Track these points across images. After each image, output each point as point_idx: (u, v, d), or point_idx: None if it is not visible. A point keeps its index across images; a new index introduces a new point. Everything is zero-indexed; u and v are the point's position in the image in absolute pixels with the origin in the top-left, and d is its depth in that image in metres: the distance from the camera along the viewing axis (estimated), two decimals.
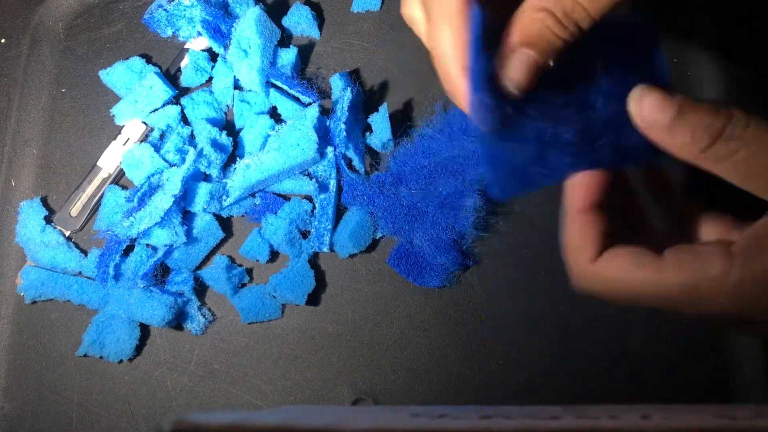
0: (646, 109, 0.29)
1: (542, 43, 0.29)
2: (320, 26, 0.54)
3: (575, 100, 0.31)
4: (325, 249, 0.49)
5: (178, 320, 0.49)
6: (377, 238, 0.49)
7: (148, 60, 0.54)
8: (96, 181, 0.52)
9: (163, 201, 0.47)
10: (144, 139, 0.52)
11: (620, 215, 0.33)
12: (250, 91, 0.52)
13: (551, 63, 0.30)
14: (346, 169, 0.50)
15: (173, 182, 0.48)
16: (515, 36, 0.30)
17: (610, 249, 0.31)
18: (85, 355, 0.49)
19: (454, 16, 0.31)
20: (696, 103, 0.28)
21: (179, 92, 0.53)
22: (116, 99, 0.53)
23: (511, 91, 0.30)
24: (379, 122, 0.50)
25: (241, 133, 0.51)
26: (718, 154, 0.28)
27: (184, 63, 0.53)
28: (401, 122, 0.51)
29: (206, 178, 0.50)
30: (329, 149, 0.50)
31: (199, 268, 0.50)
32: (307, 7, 0.53)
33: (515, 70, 0.30)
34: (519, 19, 0.30)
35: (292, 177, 0.50)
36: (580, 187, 0.32)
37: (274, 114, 0.52)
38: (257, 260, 0.50)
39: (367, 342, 0.48)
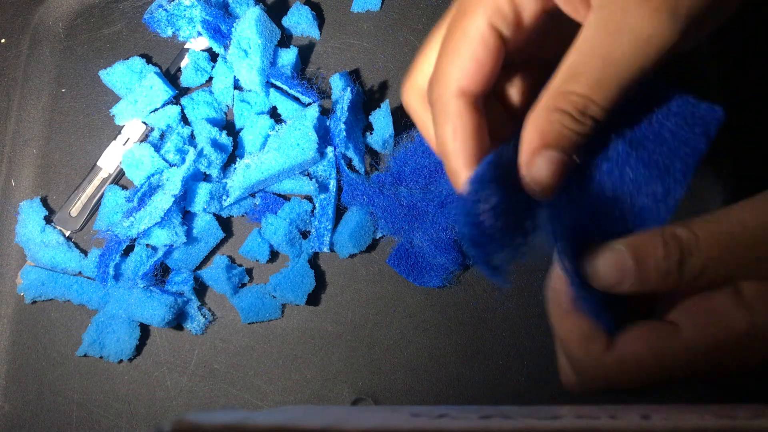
0: (606, 272, 0.28)
1: (564, 142, 0.29)
2: (320, 26, 0.54)
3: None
4: (325, 249, 0.49)
5: (178, 320, 0.49)
6: (377, 238, 0.49)
7: (148, 60, 0.54)
8: (96, 181, 0.52)
9: (163, 201, 0.47)
10: (144, 139, 0.52)
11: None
12: (250, 91, 0.52)
13: (576, 159, 0.29)
14: (346, 169, 0.50)
15: (173, 182, 0.48)
16: (535, 139, 0.29)
17: (622, 334, 0.29)
18: (85, 355, 0.49)
19: (455, 116, 0.31)
20: (643, 240, 0.28)
21: (179, 92, 0.53)
22: (116, 99, 0.53)
23: (539, 193, 0.29)
24: (381, 119, 0.50)
25: (241, 133, 0.51)
26: (690, 278, 0.28)
27: (184, 63, 0.53)
28: (401, 122, 0.51)
29: (206, 178, 0.50)
30: (329, 149, 0.50)
31: (199, 268, 0.50)
32: (307, 7, 0.53)
33: (542, 173, 0.29)
34: (536, 121, 0.29)
35: (292, 177, 0.50)
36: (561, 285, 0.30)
37: (274, 114, 0.52)
38: (257, 260, 0.50)
39: (367, 342, 0.48)
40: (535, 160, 0.29)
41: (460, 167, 0.32)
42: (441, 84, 0.31)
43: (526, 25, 0.31)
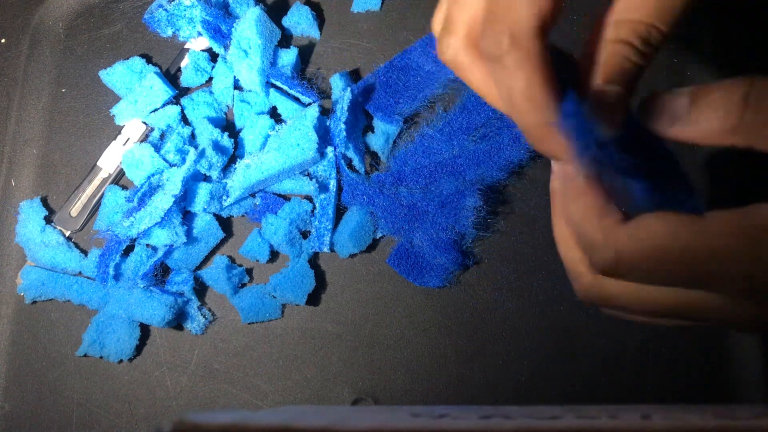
0: (659, 110, 0.27)
1: (627, 76, 0.28)
2: (320, 26, 0.54)
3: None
4: (326, 249, 0.49)
5: (178, 320, 0.49)
6: (377, 238, 0.49)
7: (148, 60, 0.54)
8: (96, 181, 0.52)
9: (163, 201, 0.47)
10: (144, 139, 0.52)
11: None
12: (250, 91, 0.52)
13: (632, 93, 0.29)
14: (346, 169, 0.50)
15: (173, 182, 0.48)
16: (600, 75, 0.28)
17: (641, 215, 0.27)
18: (85, 355, 0.49)
19: (540, 59, 0.27)
20: (706, 86, 0.27)
21: (179, 92, 0.53)
22: (116, 99, 0.53)
23: (608, 131, 0.28)
24: (382, 119, 0.50)
25: (241, 133, 0.51)
26: (751, 125, 0.25)
27: (184, 63, 0.53)
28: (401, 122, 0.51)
29: (206, 178, 0.50)
30: (329, 149, 0.50)
31: (199, 268, 0.50)
32: (307, 7, 0.53)
33: (610, 110, 0.28)
34: (600, 56, 0.28)
35: (292, 177, 0.50)
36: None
37: (274, 114, 0.52)
38: (257, 260, 0.50)
39: (367, 342, 0.48)
40: (602, 97, 0.27)
41: (543, 122, 0.28)
42: (511, 22, 0.27)
43: None
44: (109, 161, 0.52)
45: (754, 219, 0.25)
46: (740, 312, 0.27)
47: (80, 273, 0.50)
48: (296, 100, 0.51)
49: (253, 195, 0.50)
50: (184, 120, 0.52)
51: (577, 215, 0.28)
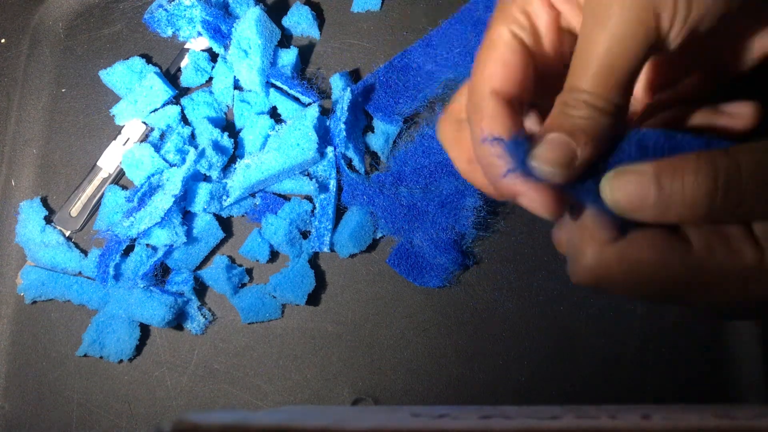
0: (623, 194, 0.27)
1: (576, 130, 0.28)
2: (320, 26, 0.54)
3: None
4: (326, 249, 0.49)
5: (178, 320, 0.49)
6: (377, 238, 0.50)
7: (148, 60, 0.54)
8: (96, 181, 0.52)
9: (163, 201, 0.47)
10: (144, 139, 0.52)
11: None
12: (250, 91, 0.52)
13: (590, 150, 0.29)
14: (346, 169, 0.50)
15: (173, 182, 0.48)
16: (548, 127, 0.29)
17: (632, 231, 0.28)
18: (85, 355, 0.49)
19: (489, 113, 0.30)
20: (672, 164, 0.26)
21: (179, 92, 0.53)
22: (116, 99, 0.53)
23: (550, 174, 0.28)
24: (381, 119, 0.50)
25: (241, 133, 0.51)
26: (722, 210, 0.26)
27: (184, 63, 0.53)
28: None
29: (206, 178, 0.50)
30: (329, 149, 0.50)
31: (199, 268, 0.50)
32: (307, 7, 0.53)
33: (549, 154, 0.28)
34: (550, 118, 0.29)
35: (292, 177, 0.50)
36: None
37: (274, 114, 0.52)
38: (257, 260, 0.50)
39: (367, 342, 0.48)
40: (545, 140, 0.28)
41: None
42: (474, 91, 0.31)
43: (543, 33, 0.31)
44: (109, 161, 0.52)
45: (737, 256, 0.27)
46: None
47: (80, 273, 0.50)
48: (296, 100, 0.51)
49: (253, 195, 0.50)
50: (184, 120, 0.52)
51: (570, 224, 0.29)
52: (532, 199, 0.29)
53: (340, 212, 0.50)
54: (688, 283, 0.27)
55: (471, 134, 0.31)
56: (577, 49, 0.29)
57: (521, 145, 0.28)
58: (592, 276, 0.28)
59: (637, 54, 0.27)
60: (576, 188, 0.28)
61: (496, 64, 0.31)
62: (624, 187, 0.27)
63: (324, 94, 0.52)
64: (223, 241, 0.50)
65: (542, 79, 0.32)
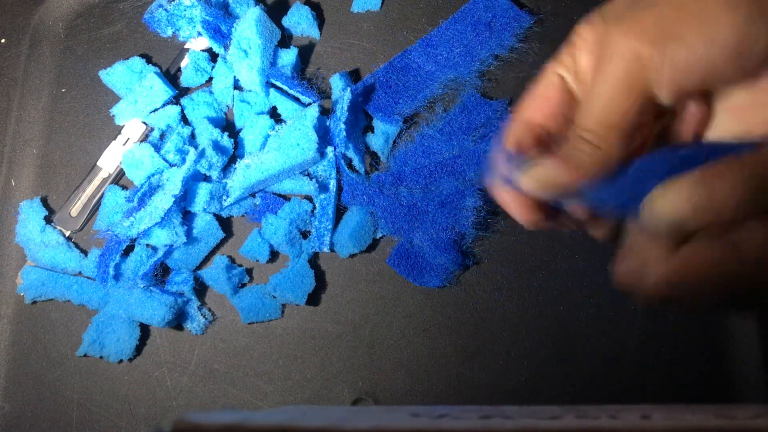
0: (677, 205, 0.28)
1: (583, 168, 0.31)
2: (320, 26, 0.54)
3: None
4: (326, 249, 0.49)
5: (178, 320, 0.49)
6: (377, 238, 0.49)
7: (148, 60, 0.54)
8: (96, 181, 0.52)
9: (163, 201, 0.47)
10: (144, 139, 0.52)
11: None
12: (250, 91, 0.52)
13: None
14: (346, 169, 0.50)
15: (173, 182, 0.48)
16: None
17: (686, 245, 0.29)
18: (85, 355, 0.49)
19: (516, 135, 0.33)
20: (717, 169, 0.28)
21: (179, 92, 0.53)
22: (116, 99, 0.53)
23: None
24: (381, 119, 0.50)
25: (241, 133, 0.51)
26: None
27: (184, 63, 0.53)
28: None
29: (206, 178, 0.50)
30: (329, 149, 0.50)
31: (199, 268, 0.50)
32: (307, 7, 0.53)
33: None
34: (561, 155, 0.31)
35: (292, 177, 0.50)
36: None
37: (274, 114, 0.52)
38: (257, 260, 0.50)
39: (367, 342, 0.48)
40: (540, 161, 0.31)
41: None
42: (512, 123, 0.34)
43: (584, 71, 0.33)
44: (109, 161, 0.52)
45: None
46: None
47: (80, 273, 0.50)
48: (296, 100, 0.51)
49: (253, 195, 0.50)
50: (184, 120, 0.52)
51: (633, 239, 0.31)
52: (513, 208, 0.34)
53: (340, 212, 0.50)
54: (749, 277, 0.28)
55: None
56: (589, 88, 0.31)
57: (517, 159, 0.32)
58: (663, 289, 0.30)
59: (632, 108, 0.29)
60: (608, 207, 0.31)
61: (533, 95, 0.34)
62: (676, 199, 0.28)
63: (324, 94, 0.52)
64: (223, 241, 0.50)
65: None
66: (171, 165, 0.50)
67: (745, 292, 0.29)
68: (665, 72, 0.28)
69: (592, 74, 0.31)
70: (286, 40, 0.54)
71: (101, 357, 0.49)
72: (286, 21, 0.53)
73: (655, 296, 0.30)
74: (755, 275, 0.28)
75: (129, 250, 0.49)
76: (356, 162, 0.50)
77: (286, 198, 0.50)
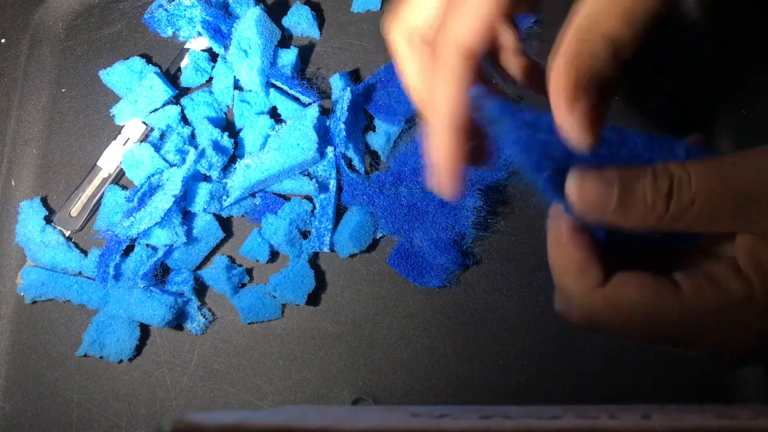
0: (588, 194, 0.27)
1: (599, 88, 0.28)
2: (320, 26, 0.54)
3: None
4: (326, 249, 0.49)
5: (178, 320, 0.49)
6: (377, 238, 0.49)
7: (148, 60, 0.54)
8: (96, 181, 0.52)
9: (163, 201, 0.47)
10: (144, 139, 0.52)
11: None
12: (250, 91, 0.52)
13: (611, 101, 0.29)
14: (346, 168, 0.50)
15: (173, 182, 0.48)
16: (570, 81, 0.28)
17: (618, 274, 0.29)
18: (85, 355, 0.49)
19: (454, 76, 0.31)
20: (633, 172, 0.27)
21: (179, 92, 0.53)
22: (116, 99, 0.53)
23: (580, 145, 0.28)
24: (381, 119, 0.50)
25: (241, 133, 0.51)
26: (675, 214, 0.27)
27: (184, 63, 0.53)
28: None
29: (206, 178, 0.50)
30: (329, 149, 0.50)
31: (199, 268, 0.50)
32: (307, 7, 0.53)
33: (580, 123, 0.28)
34: (568, 70, 0.28)
35: (292, 177, 0.50)
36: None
37: (274, 114, 0.52)
38: (257, 260, 0.50)
39: (367, 342, 0.48)
40: (573, 108, 0.27)
41: (444, 127, 0.31)
42: (446, 38, 0.31)
43: None
44: (109, 161, 0.52)
45: (727, 293, 0.28)
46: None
47: (80, 273, 0.50)
48: (296, 100, 0.51)
49: (253, 195, 0.50)
50: (184, 120, 0.52)
51: (558, 264, 0.30)
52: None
53: (340, 212, 0.50)
54: (681, 326, 0.28)
55: (430, 77, 0.32)
56: None
57: (485, 96, 0.30)
58: (582, 319, 0.29)
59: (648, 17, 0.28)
60: (541, 176, 0.28)
61: (475, 17, 0.31)
62: (589, 189, 0.27)
63: (324, 94, 0.52)
64: (223, 241, 0.50)
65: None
66: (171, 165, 0.50)
67: (689, 340, 0.29)
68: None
69: None
70: (286, 40, 0.54)
71: (101, 357, 0.49)
72: (286, 21, 0.53)
73: (582, 326, 0.30)
74: (695, 325, 0.28)
75: (129, 250, 0.49)
76: (356, 162, 0.50)
77: (286, 198, 0.50)
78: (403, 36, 0.35)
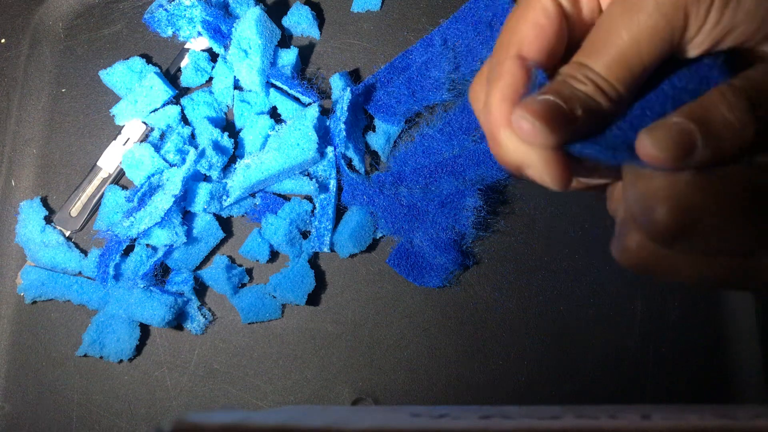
0: (668, 144, 0.25)
1: (573, 102, 0.26)
2: (320, 26, 0.54)
3: None
4: (326, 249, 0.49)
5: (178, 320, 0.49)
6: (377, 238, 0.50)
7: (148, 60, 0.54)
8: (96, 181, 0.52)
9: (163, 201, 0.47)
10: (144, 139, 0.52)
11: None
12: (250, 91, 0.52)
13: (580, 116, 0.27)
14: (346, 168, 0.50)
15: (173, 182, 0.48)
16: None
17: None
18: (85, 355, 0.49)
19: (507, 75, 0.28)
20: (700, 105, 0.25)
21: (179, 92, 0.53)
22: (116, 99, 0.53)
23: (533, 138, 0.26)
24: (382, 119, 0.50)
25: (241, 133, 0.51)
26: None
27: (184, 63, 0.53)
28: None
29: (206, 178, 0.50)
30: (329, 149, 0.50)
31: (199, 268, 0.50)
32: (307, 7, 0.53)
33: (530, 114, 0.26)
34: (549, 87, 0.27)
35: (292, 177, 0.50)
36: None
37: (274, 114, 0.52)
38: (257, 260, 0.50)
39: (367, 342, 0.48)
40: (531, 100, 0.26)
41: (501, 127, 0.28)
42: (498, 50, 0.29)
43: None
44: (109, 161, 0.52)
45: None
46: None
47: (80, 273, 0.50)
48: (296, 100, 0.51)
49: (253, 195, 0.50)
50: (184, 120, 0.52)
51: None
52: (539, 168, 0.27)
53: (340, 212, 0.50)
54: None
55: (486, 95, 0.29)
56: (597, 28, 0.27)
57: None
58: (677, 218, 0.25)
59: (658, 54, 0.26)
60: (597, 151, 0.27)
61: (528, 26, 0.28)
62: (667, 137, 0.25)
63: (324, 94, 0.52)
64: (223, 241, 0.50)
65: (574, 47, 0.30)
66: (171, 165, 0.50)
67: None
68: (707, 28, 0.26)
69: (598, 1, 0.27)
70: (286, 40, 0.54)
71: (101, 357, 0.49)
72: (286, 21, 0.53)
73: (668, 230, 0.25)
74: None
75: (129, 250, 0.49)
76: (356, 162, 0.50)
77: (286, 198, 0.50)
78: (482, 86, 0.32)
